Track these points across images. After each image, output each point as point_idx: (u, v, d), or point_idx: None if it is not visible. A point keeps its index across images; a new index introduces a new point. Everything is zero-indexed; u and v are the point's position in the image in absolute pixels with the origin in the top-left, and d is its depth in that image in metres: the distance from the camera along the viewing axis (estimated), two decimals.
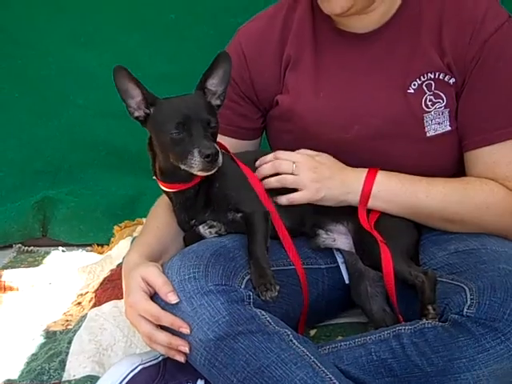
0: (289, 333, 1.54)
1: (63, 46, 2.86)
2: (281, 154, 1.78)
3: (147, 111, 1.65)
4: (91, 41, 2.85)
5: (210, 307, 1.53)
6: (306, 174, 1.73)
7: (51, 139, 2.95)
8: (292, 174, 1.74)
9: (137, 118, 1.66)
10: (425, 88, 1.75)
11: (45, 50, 2.87)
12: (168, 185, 1.71)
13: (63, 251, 2.85)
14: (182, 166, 1.59)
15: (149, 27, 2.83)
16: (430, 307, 1.57)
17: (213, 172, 1.59)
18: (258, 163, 1.79)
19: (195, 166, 1.56)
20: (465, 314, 1.49)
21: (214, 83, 1.68)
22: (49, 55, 2.88)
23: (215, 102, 1.69)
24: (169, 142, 1.60)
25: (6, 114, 2.95)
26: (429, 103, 1.76)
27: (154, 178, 1.73)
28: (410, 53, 1.77)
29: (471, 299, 1.50)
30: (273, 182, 1.76)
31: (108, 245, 2.79)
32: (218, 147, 1.57)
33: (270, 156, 1.78)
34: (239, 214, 1.70)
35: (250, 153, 1.91)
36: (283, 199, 1.75)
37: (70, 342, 1.95)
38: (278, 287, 1.57)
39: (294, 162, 1.74)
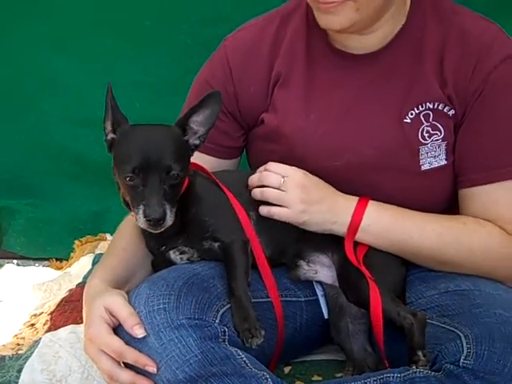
0: (267, 376, 1.43)
1: (29, 47, 2.70)
2: (273, 165, 1.65)
3: (113, 136, 1.54)
4: (60, 44, 2.70)
5: (180, 343, 1.42)
6: (294, 192, 1.61)
7: (11, 145, 2.80)
8: (279, 188, 1.62)
9: (107, 141, 1.57)
10: (422, 118, 1.66)
11: (8, 50, 2.72)
12: None
13: (18, 265, 2.72)
14: (132, 213, 1.49)
15: (122, 34, 2.70)
16: (419, 353, 1.47)
17: (159, 232, 1.48)
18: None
19: (139, 221, 1.47)
20: (461, 364, 1.39)
21: (197, 121, 1.55)
22: (13, 56, 2.73)
23: (194, 141, 1.56)
24: (123, 183, 1.49)
25: None
26: (425, 135, 1.66)
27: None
28: (408, 80, 1.67)
29: (468, 348, 1.40)
30: (256, 193, 1.64)
31: (67, 260, 2.66)
32: (167, 209, 1.45)
33: (262, 167, 1.67)
34: (217, 243, 1.59)
35: (228, 172, 1.79)
36: (264, 210, 1.64)
37: (19, 371, 1.82)
38: (263, 332, 1.47)
39: (283, 177, 1.62)
